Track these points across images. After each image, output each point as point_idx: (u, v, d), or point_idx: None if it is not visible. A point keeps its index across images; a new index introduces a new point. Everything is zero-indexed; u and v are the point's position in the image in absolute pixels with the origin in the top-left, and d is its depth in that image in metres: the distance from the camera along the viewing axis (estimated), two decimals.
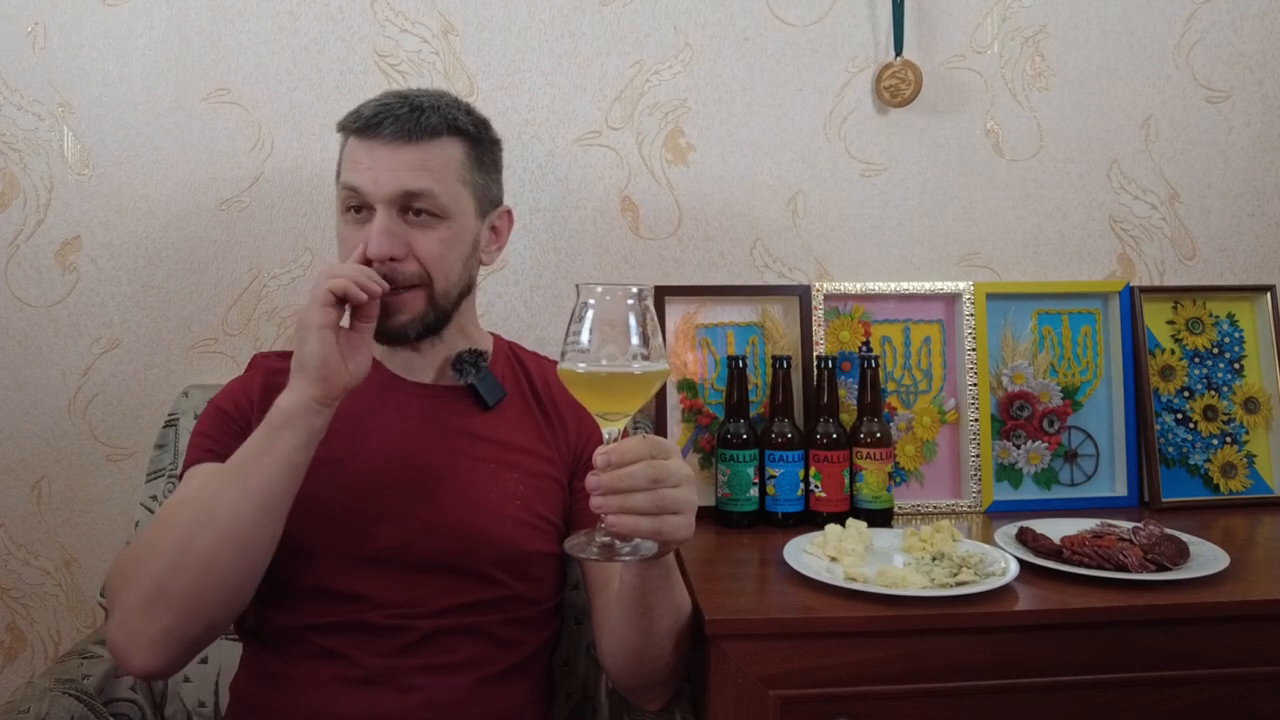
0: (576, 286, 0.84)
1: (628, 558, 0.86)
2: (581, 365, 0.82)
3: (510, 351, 1.24)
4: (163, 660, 0.93)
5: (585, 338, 0.82)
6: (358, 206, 1.08)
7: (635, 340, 0.83)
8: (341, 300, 0.96)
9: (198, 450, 1.08)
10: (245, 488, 0.93)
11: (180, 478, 1.09)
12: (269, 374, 1.13)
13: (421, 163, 1.07)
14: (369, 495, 1.06)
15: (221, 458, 1.01)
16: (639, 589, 0.97)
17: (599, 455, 0.84)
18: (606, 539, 0.85)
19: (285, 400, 0.95)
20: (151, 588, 0.91)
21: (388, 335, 1.09)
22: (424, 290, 1.09)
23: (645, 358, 0.83)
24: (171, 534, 0.94)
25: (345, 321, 0.99)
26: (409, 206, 1.07)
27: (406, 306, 1.08)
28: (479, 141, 1.13)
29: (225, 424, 1.09)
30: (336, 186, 1.12)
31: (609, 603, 1.07)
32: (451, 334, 1.15)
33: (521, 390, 1.19)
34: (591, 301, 0.83)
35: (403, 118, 1.06)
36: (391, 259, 1.05)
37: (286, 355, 1.20)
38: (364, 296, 0.97)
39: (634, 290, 0.83)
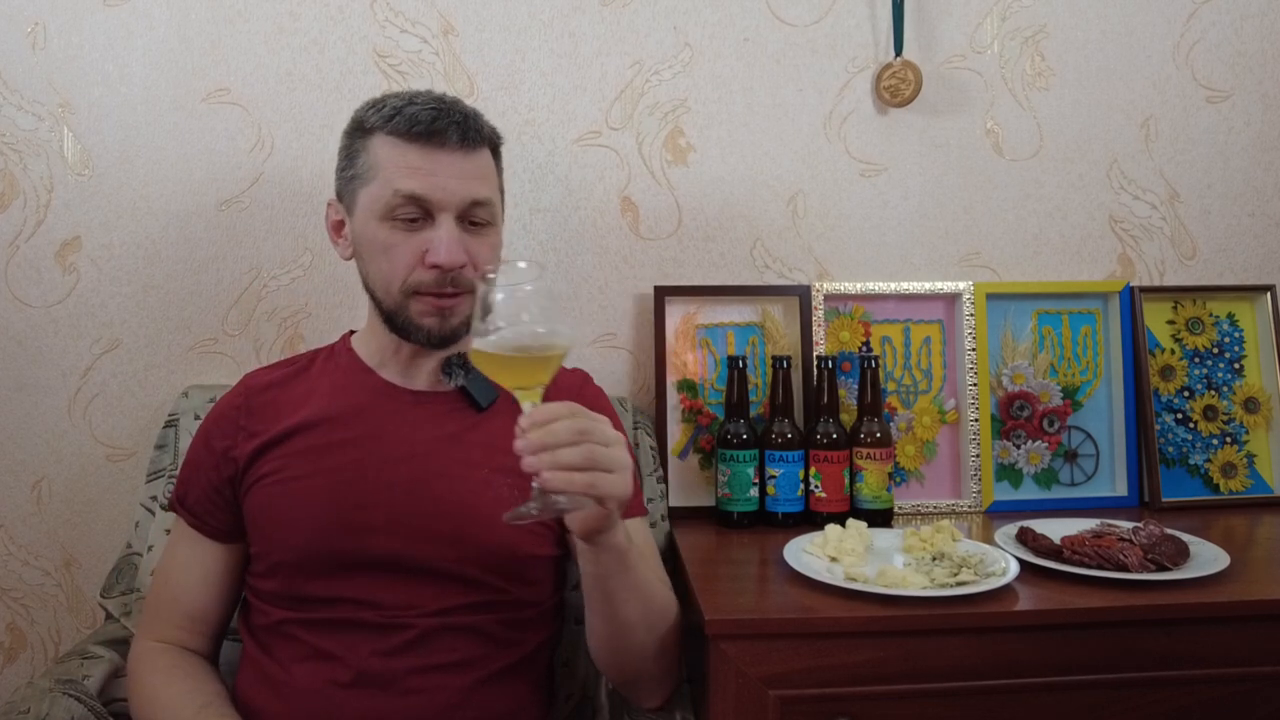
0: (475, 281, 0.86)
1: (565, 508, 0.87)
2: (485, 343, 0.84)
3: None
4: None
5: (490, 319, 0.84)
6: (412, 213, 1.07)
7: (534, 315, 0.85)
8: None
9: (179, 501, 1.14)
10: None
11: (169, 503, 1.16)
12: (251, 394, 1.14)
13: (481, 171, 1.09)
14: (364, 504, 1.05)
15: (196, 516, 1.12)
16: (597, 576, 0.97)
17: (522, 420, 0.85)
18: (542, 498, 0.86)
19: None
20: None
21: (444, 339, 1.10)
22: (473, 295, 1.10)
23: (543, 330, 0.85)
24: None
25: None
26: (468, 214, 1.08)
27: (461, 310, 1.10)
28: (498, 150, 1.17)
29: (197, 478, 1.13)
30: (370, 187, 1.08)
31: None
32: None
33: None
34: (487, 288, 0.85)
35: (462, 125, 1.07)
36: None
37: (278, 366, 1.19)
38: None
39: (520, 265, 0.86)
